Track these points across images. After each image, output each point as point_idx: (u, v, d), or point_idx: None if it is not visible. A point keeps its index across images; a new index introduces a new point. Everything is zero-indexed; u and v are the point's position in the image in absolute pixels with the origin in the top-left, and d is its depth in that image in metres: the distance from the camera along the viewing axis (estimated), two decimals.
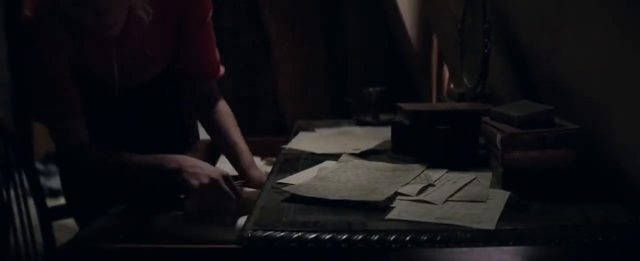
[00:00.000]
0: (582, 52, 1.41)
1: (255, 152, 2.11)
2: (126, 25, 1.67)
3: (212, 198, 1.57)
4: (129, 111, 1.92)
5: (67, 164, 1.77)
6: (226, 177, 1.59)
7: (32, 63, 1.70)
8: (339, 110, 3.91)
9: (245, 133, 1.92)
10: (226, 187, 1.57)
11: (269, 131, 4.36)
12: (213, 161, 2.07)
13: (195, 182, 1.55)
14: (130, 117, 1.94)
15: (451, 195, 1.28)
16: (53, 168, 4.72)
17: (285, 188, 1.34)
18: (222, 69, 1.96)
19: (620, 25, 1.22)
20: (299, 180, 1.42)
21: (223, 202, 1.58)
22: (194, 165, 1.59)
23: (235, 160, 1.82)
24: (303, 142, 1.89)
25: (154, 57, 1.83)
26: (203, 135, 2.12)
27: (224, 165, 1.90)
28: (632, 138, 1.26)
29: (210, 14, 1.85)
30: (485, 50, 1.72)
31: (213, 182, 1.55)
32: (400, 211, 1.20)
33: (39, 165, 4.66)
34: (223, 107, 1.92)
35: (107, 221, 1.59)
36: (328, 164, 1.56)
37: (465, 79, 1.98)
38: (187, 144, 2.12)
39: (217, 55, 1.94)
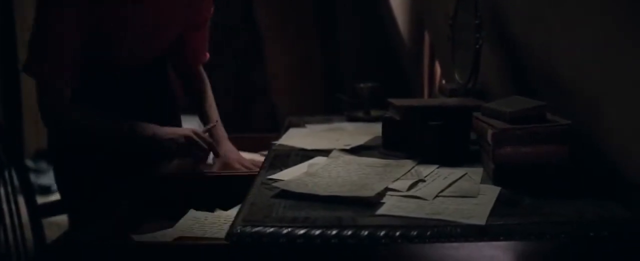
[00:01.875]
0: (575, 46, 1.41)
1: (247, 147, 2.12)
2: None
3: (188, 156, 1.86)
4: (126, 92, 1.96)
5: (50, 119, 1.81)
6: (196, 133, 1.82)
7: (42, 17, 1.74)
8: (332, 106, 3.91)
9: (238, 129, 2.00)
10: (200, 140, 1.81)
11: (262, 127, 4.35)
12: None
13: (173, 145, 1.79)
14: (127, 98, 1.96)
15: (442, 191, 1.27)
16: (43, 165, 4.71)
17: (275, 184, 1.33)
18: (207, 55, 2.19)
19: (614, 19, 1.21)
20: (289, 175, 1.41)
21: (200, 154, 1.88)
22: (167, 132, 1.81)
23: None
24: (294, 138, 1.88)
25: (163, 32, 1.94)
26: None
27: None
28: (626, 133, 1.25)
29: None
30: (477, 46, 1.71)
31: (188, 139, 1.79)
32: (391, 206, 1.19)
33: (29, 163, 4.64)
34: (201, 84, 2.18)
35: (97, 228, 1.58)
36: (319, 160, 1.55)
37: (456, 75, 1.97)
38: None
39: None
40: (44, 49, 1.75)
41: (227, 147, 2.01)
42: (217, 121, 2.07)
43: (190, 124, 2.15)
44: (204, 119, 2.11)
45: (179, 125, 2.20)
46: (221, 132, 2.07)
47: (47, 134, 2.05)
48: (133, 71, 1.96)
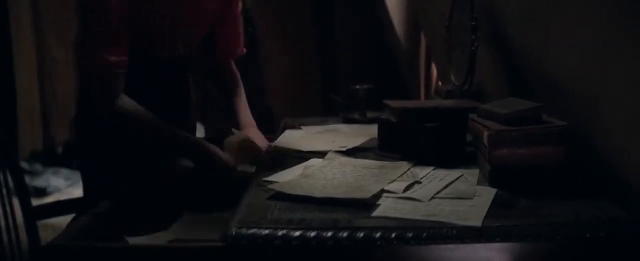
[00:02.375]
0: (571, 47, 1.41)
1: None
2: None
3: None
4: (157, 81, 1.97)
5: (109, 108, 1.75)
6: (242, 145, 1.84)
7: (91, 9, 1.72)
8: (329, 107, 3.90)
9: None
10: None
11: (259, 128, 4.34)
12: None
13: (212, 164, 1.78)
14: (156, 87, 1.97)
15: (438, 192, 1.27)
16: (38, 167, 4.69)
17: (270, 186, 1.33)
18: (244, 50, 2.17)
19: (611, 20, 1.21)
20: (285, 177, 1.41)
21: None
22: (209, 154, 1.78)
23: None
24: (290, 139, 1.88)
25: (203, 22, 1.97)
26: (199, 133, 2.13)
27: None
28: (622, 134, 1.25)
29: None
30: (473, 47, 1.71)
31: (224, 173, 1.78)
32: (386, 208, 1.18)
33: (24, 164, 4.63)
34: (235, 84, 2.16)
35: (91, 220, 1.58)
36: (314, 162, 1.54)
37: (452, 76, 1.97)
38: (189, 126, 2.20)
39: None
40: (102, 37, 1.71)
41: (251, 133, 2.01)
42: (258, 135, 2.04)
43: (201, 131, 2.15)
44: (236, 121, 2.09)
45: (194, 128, 2.22)
46: (248, 119, 2.11)
47: (76, 132, 2.04)
48: (156, 66, 1.95)
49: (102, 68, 1.72)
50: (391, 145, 1.62)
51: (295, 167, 1.51)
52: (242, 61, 2.21)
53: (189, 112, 2.17)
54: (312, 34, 4.52)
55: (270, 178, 1.42)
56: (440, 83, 2.81)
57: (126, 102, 1.75)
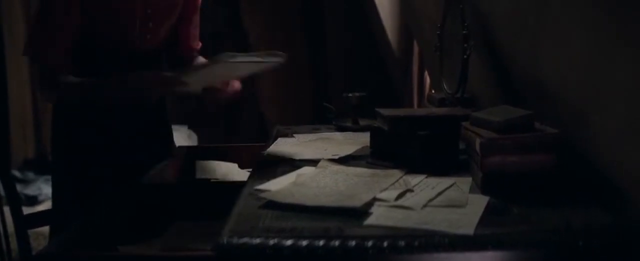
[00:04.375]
0: (561, 56, 1.41)
1: (235, 157, 2.10)
2: None
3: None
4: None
5: (50, 91, 1.91)
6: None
7: (46, 6, 1.86)
8: (321, 115, 3.90)
9: (227, 138, 2.00)
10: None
11: (251, 136, 4.33)
12: (191, 166, 2.08)
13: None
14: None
15: (430, 200, 1.27)
16: (30, 175, 4.67)
17: (262, 195, 1.32)
18: (199, 44, 2.26)
19: (599, 29, 1.22)
20: (277, 186, 1.40)
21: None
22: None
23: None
24: (282, 147, 1.87)
25: (169, 15, 2.03)
26: (180, 141, 2.13)
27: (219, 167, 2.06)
28: (613, 142, 1.25)
29: None
30: (465, 56, 1.71)
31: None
32: (378, 216, 1.18)
33: (16, 173, 4.61)
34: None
35: (82, 229, 1.57)
36: (306, 170, 1.54)
37: (445, 84, 1.97)
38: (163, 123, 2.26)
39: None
40: (45, 31, 1.85)
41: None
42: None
43: (178, 133, 2.16)
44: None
45: (170, 132, 2.25)
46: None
47: (51, 130, 2.10)
48: (127, 61, 1.99)
49: (44, 68, 1.87)
50: (383, 153, 1.62)
51: (287, 175, 1.50)
52: None
53: (165, 111, 2.22)
54: (303, 41, 4.52)
55: (261, 187, 1.41)
56: (433, 91, 2.82)
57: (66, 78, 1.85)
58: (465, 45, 1.71)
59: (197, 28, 2.22)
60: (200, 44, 2.26)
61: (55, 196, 2.07)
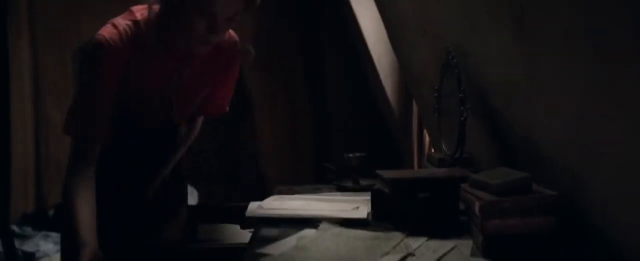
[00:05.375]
0: (553, 119, 1.43)
1: (237, 217, 2.09)
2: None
3: None
4: (147, 150, 1.95)
5: (76, 170, 1.74)
6: None
7: (84, 82, 1.73)
8: (322, 175, 3.91)
9: (227, 196, 1.97)
10: None
11: (252, 195, 4.33)
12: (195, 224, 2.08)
13: None
14: (145, 155, 1.95)
15: None
16: (29, 230, 4.64)
17: (263, 259, 1.33)
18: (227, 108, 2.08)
19: (589, 93, 1.24)
20: (278, 250, 1.41)
21: None
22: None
23: None
24: (283, 205, 1.87)
25: (199, 93, 1.91)
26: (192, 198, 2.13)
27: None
28: (610, 203, 1.26)
29: None
30: (462, 118, 1.74)
31: None
32: None
33: (15, 228, 4.58)
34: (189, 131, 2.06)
35: None
36: (307, 233, 1.55)
37: (443, 145, 1.99)
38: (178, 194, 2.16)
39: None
40: (86, 109, 1.74)
41: None
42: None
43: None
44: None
45: (185, 190, 2.19)
46: None
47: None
48: (156, 132, 1.94)
49: (80, 140, 1.74)
50: (385, 215, 1.63)
51: (288, 238, 1.51)
52: (237, 128, 2.20)
53: (182, 178, 2.15)
54: (305, 102, 4.57)
55: (263, 251, 1.41)
56: (432, 150, 2.83)
57: (83, 182, 1.72)
58: (462, 107, 1.73)
59: (231, 93, 2.05)
60: (226, 109, 2.08)
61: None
